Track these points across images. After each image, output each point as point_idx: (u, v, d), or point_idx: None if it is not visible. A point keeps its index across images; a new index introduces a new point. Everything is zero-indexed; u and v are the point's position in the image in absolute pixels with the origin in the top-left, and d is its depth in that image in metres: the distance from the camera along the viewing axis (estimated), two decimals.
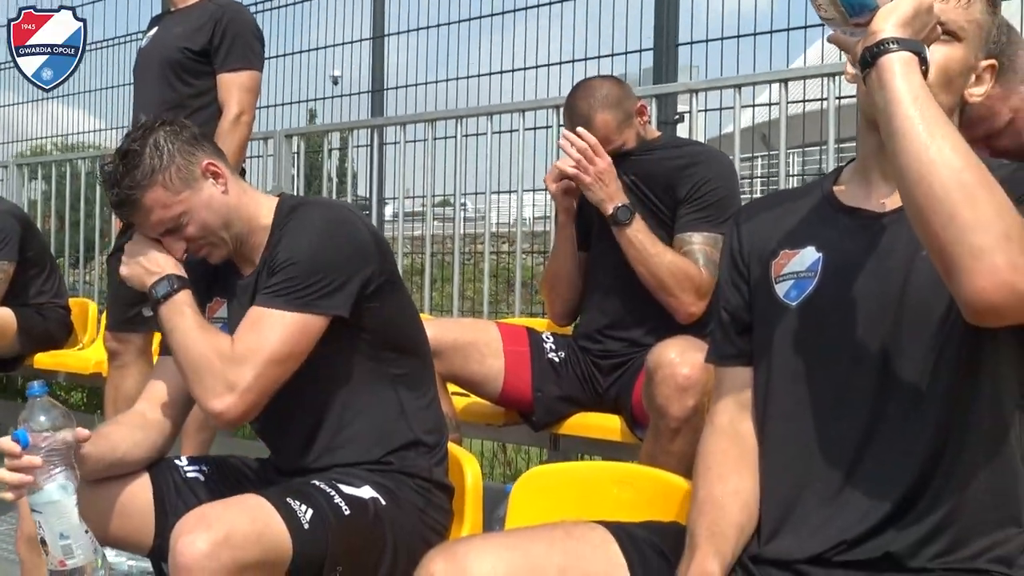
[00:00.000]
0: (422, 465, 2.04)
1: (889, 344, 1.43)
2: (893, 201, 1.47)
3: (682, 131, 4.24)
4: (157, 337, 3.85)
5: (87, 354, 4.59)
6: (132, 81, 3.78)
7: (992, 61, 1.53)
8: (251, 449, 2.86)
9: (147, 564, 3.14)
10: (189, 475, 2.05)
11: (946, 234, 1.24)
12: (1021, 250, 1.22)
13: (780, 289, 1.55)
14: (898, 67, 1.31)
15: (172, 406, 2.09)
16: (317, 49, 6.05)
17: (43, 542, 1.72)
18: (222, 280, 2.12)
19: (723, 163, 2.92)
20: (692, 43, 4.39)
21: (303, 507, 1.81)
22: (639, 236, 2.73)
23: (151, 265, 2.03)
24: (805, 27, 4.17)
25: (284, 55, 6.20)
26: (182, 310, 1.96)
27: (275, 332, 1.88)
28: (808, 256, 1.53)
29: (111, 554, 3.18)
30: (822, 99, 3.53)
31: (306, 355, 1.92)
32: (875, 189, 1.52)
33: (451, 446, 2.19)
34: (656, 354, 2.53)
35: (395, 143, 4.69)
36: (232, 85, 3.45)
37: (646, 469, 2.04)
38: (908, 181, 1.28)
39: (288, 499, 1.81)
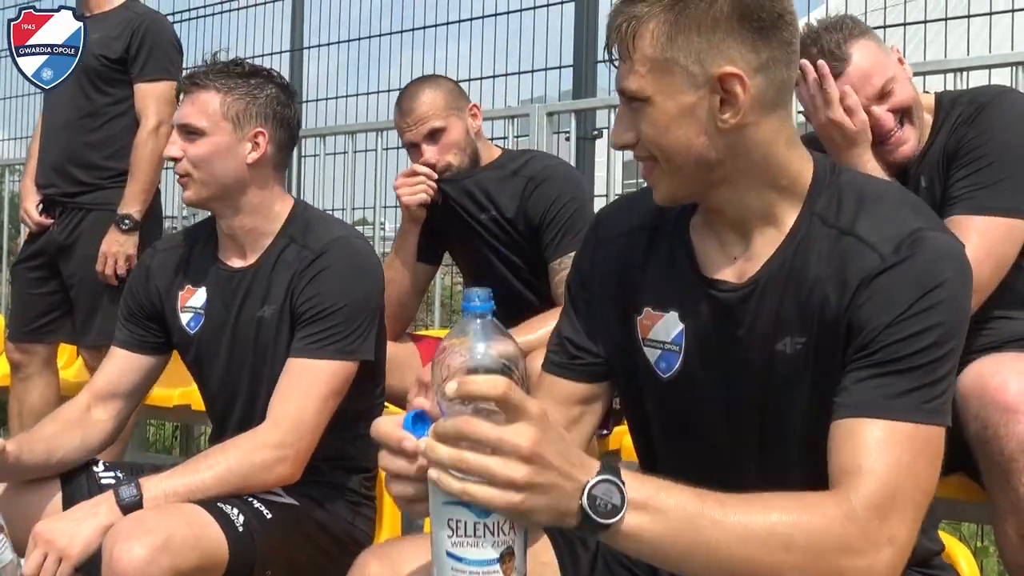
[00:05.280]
0: (355, 482, 2.07)
1: (755, 427, 1.39)
2: (752, 268, 1.37)
3: (601, 147, 4.29)
4: (63, 348, 3.79)
5: None
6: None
7: (726, 69, 1.28)
8: (166, 461, 2.82)
9: None
10: (103, 481, 2.01)
11: None
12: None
13: (650, 355, 1.45)
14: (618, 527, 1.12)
15: (119, 402, 2.06)
16: None
17: None
18: (195, 267, 2.09)
19: (566, 173, 2.80)
20: (612, 60, 4.41)
21: (235, 511, 1.81)
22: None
23: None
24: None
25: None
26: None
27: (320, 386, 1.89)
28: (672, 324, 1.43)
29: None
30: None
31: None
32: (729, 250, 1.40)
33: None
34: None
35: (315, 156, 4.66)
36: (150, 95, 3.40)
37: None
38: None
39: (219, 504, 1.80)
